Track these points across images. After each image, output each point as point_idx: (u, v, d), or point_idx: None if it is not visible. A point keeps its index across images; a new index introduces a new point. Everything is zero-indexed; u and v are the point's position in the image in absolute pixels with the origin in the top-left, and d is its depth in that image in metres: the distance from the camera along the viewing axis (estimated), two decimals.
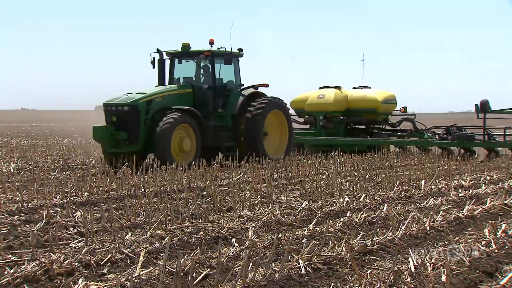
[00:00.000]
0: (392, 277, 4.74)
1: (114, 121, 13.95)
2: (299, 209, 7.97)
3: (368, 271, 4.94)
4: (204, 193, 9.24)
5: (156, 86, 15.62)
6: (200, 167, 12.12)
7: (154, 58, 15.65)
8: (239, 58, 16.24)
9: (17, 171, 12.37)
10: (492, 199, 9.15)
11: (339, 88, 22.58)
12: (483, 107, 19.18)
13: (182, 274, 4.53)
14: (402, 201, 9.26)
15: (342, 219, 7.35)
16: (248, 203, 8.41)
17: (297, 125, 22.73)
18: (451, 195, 9.95)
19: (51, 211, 7.33)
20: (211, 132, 14.96)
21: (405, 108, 23.40)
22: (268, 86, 16.37)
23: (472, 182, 11.90)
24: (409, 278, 4.79)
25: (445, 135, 20.61)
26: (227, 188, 9.67)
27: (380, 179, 11.56)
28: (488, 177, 12.86)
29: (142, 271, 4.86)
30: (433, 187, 10.79)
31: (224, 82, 15.88)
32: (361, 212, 7.86)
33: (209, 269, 5.06)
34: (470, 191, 10.58)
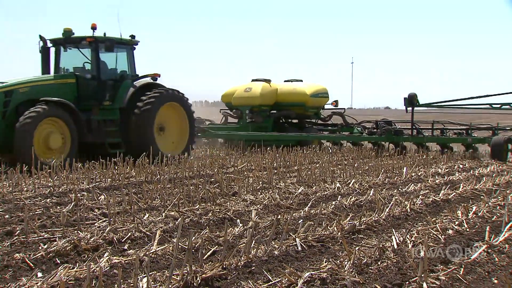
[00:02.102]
0: (377, 253, 4.74)
1: None
2: (296, 194, 7.97)
3: (357, 248, 4.95)
4: (212, 179, 9.25)
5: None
6: (208, 156, 12.12)
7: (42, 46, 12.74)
8: (134, 47, 13.25)
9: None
10: (464, 185, 9.14)
11: (268, 81, 19.58)
12: (411, 101, 16.40)
13: (193, 250, 4.54)
14: (386, 186, 9.26)
15: (333, 203, 7.35)
16: (251, 188, 8.42)
17: (231, 119, 20.56)
18: (429, 181, 9.93)
19: (78, 194, 7.35)
20: (94, 127, 12.02)
21: (336, 102, 20.49)
22: (159, 76, 13.35)
23: (447, 170, 11.90)
24: (392, 254, 4.79)
25: (374, 130, 17.71)
26: (232, 175, 9.67)
27: (367, 167, 11.55)
28: (461, 166, 12.85)
29: (158, 247, 4.88)
30: (413, 174, 10.78)
31: (117, 73, 12.99)
32: (351, 196, 7.86)
33: (216, 246, 5.07)
34: (446, 177, 10.57)
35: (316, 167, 11.06)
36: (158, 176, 9.60)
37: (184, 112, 13.51)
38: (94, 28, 12.30)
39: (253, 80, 19.89)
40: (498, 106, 16.13)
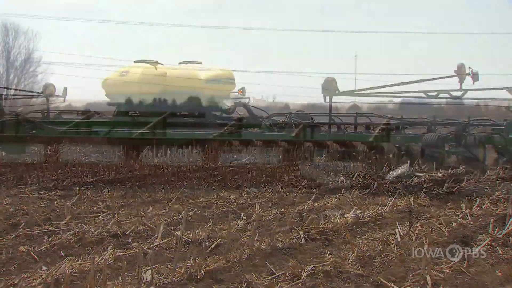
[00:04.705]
0: (381, 246, 4.74)
1: None
2: (299, 187, 7.97)
3: (360, 241, 4.95)
4: (216, 173, 9.24)
5: None
6: (212, 150, 12.08)
7: None
8: None
9: (53, 153, 12.41)
10: (468, 178, 9.12)
11: (154, 63, 14.90)
12: (328, 88, 12.54)
13: (197, 243, 4.55)
14: (390, 179, 9.23)
15: (337, 196, 7.35)
16: (254, 182, 8.41)
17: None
18: (433, 174, 9.91)
19: (83, 188, 7.36)
20: None
21: (243, 89, 16.50)
22: None
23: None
24: (395, 247, 4.79)
25: (286, 125, 13.35)
26: (236, 169, 9.67)
27: (370, 161, 11.52)
28: None
29: (162, 240, 4.88)
30: (417, 167, 10.74)
31: None
32: (354, 189, 7.85)
33: (220, 239, 5.07)
34: (450, 171, 10.54)
35: (319, 160, 11.04)
36: (162, 169, 9.60)
37: None
38: None
39: (135, 62, 15.24)
40: (435, 94, 12.67)
